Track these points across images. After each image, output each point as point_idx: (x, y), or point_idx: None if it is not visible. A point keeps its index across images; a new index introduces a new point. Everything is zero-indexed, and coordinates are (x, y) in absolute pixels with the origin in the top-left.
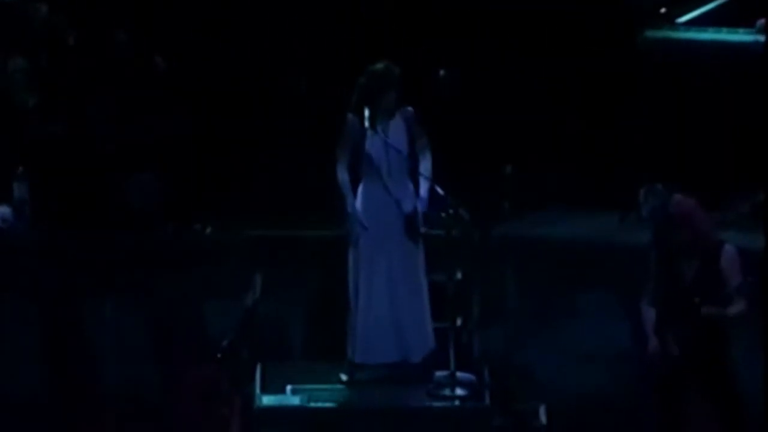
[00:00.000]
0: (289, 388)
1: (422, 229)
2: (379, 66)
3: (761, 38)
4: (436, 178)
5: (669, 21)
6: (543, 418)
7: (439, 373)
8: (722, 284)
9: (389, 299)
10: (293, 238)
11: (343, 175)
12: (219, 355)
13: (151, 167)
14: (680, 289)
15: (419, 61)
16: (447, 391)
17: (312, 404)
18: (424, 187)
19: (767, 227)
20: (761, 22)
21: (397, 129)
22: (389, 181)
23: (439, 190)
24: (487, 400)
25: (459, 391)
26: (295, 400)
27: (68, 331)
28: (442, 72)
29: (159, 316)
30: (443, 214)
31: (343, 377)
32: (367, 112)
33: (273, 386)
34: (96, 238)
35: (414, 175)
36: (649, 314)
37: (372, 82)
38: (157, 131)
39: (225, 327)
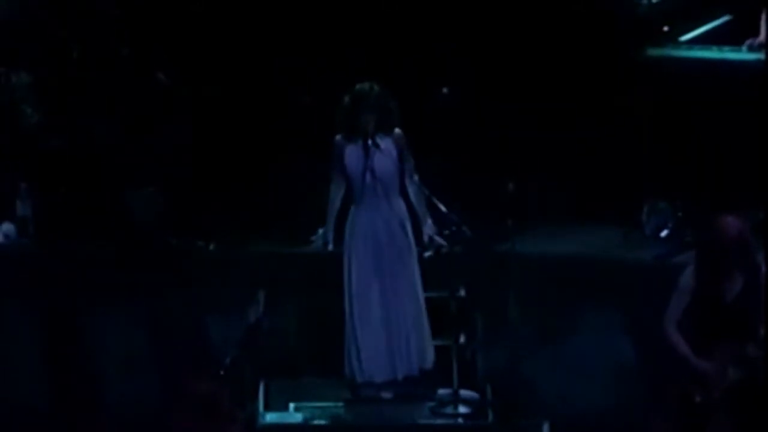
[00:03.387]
0: (292, 405)
1: (426, 253)
2: (361, 86)
3: (764, 57)
4: (439, 195)
5: (672, 39)
6: None
7: (442, 391)
8: (760, 300)
9: (384, 317)
10: (297, 254)
11: (332, 196)
12: (222, 372)
13: (155, 182)
14: (723, 308)
15: (422, 78)
16: (450, 409)
17: (315, 422)
18: (422, 212)
19: (767, 239)
20: (750, 42)
21: (386, 150)
22: (378, 201)
23: (442, 208)
24: (491, 418)
25: (462, 409)
26: (298, 418)
27: (71, 346)
28: (444, 90)
29: (162, 332)
30: (446, 232)
31: (346, 395)
32: (371, 131)
33: (276, 404)
34: (99, 253)
35: (405, 196)
36: (680, 338)
37: (353, 102)
38: (161, 146)
39: (228, 344)
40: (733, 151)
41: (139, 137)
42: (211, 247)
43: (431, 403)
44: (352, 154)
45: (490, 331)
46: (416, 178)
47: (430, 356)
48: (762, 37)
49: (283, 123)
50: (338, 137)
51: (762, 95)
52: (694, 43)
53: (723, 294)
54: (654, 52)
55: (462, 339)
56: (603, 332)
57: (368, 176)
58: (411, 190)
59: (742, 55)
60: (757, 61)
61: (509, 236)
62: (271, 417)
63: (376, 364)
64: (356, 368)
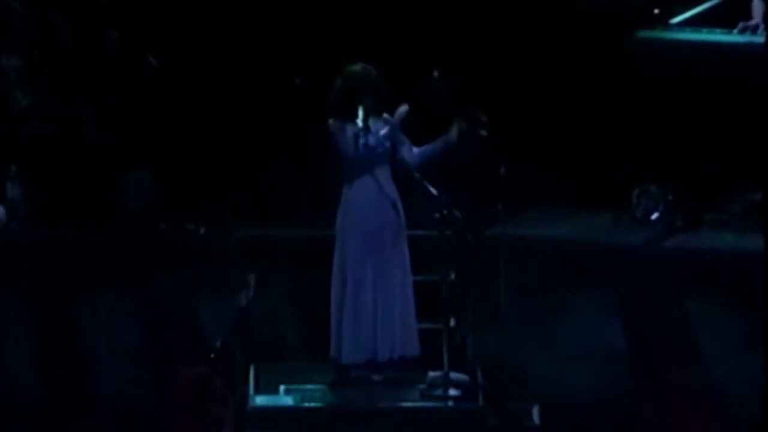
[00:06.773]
0: (282, 388)
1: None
2: (356, 67)
3: (756, 39)
4: (428, 179)
5: (662, 22)
6: (536, 419)
7: (432, 374)
8: None
9: (373, 300)
10: (287, 237)
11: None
12: (212, 356)
13: (145, 166)
14: None
15: (413, 61)
16: (440, 392)
17: (305, 404)
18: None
19: (767, 227)
20: (742, 24)
21: (380, 131)
22: (371, 184)
23: (433, 190)
24: (481, 401)
25: (452, 392)
26: (289, 400)
27: (62, 331)
28: (435, 73)
29: (152, 315)
30: (436, 215)
31: (337, 378)
32: (360, 113)
33: (266, 386)
34: (90, 238)
35: (396, 179)
36: None
37: (349, 85)
38: (151, 130)
39: (219, 327)
40: (724, 134)
41: (129, 121)
42: (202, 230)
43: (421, 386)
44: (345, 136)
45: (480, 314)
46: (415, 150)
47: (416, 342)
48: (756, 20)
49: (274, 106)
50: (331, 120)
51: (762, 74)
52: (684, 26)
53: None
54: (645, 34)
55: (452, 322)
56: (593, 316)
57: (361, 159)
58: (409, 152)
59: (733, 37)
60: (748, 44)
61: (500, 220)
62: (261, 399)
63: (363, 348)
64: (343, 350)
